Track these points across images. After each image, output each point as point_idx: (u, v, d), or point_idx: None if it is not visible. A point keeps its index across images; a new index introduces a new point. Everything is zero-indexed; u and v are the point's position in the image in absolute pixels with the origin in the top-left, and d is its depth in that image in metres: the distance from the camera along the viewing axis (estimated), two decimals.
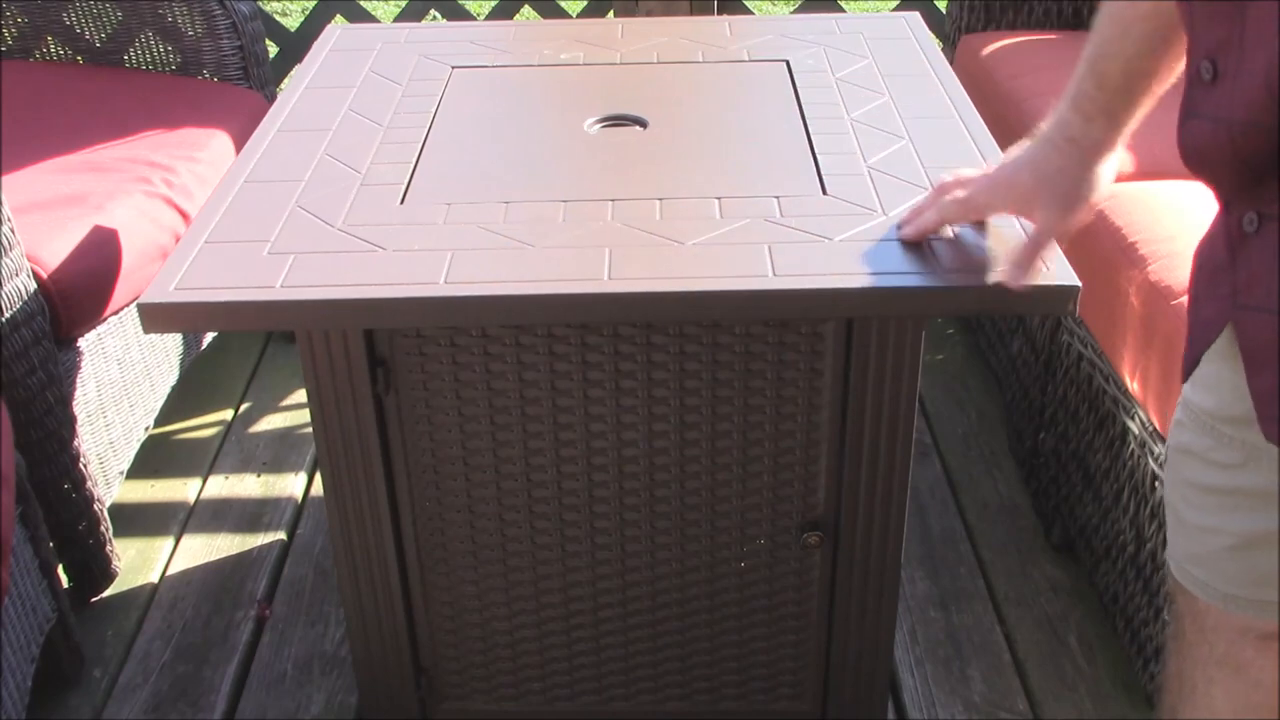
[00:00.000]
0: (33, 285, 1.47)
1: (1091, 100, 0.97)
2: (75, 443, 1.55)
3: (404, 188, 1.24)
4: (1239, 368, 0.81)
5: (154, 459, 1.97)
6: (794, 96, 1.43)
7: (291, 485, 1.93)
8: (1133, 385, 1.42)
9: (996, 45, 2.09)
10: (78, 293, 1.55)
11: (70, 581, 1.66)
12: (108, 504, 1.67)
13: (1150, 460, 1.39)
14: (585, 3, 2.58)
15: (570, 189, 1.23)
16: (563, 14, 2.60)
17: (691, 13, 2.36)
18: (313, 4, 2.52)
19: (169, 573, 1.75)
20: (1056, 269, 1.06)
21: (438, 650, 1.38)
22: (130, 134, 1.86)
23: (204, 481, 1.94)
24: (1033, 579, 1.70)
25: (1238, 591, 0.90)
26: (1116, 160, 1.02)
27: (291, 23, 3.35)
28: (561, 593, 1.33)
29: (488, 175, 1.27)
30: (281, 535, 1.82)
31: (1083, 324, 1.60)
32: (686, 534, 1.29)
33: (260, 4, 2.40)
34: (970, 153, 1.28)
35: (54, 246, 1.54)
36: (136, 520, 1.85)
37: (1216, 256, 0.83)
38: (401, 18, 2.53)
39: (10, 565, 1.34)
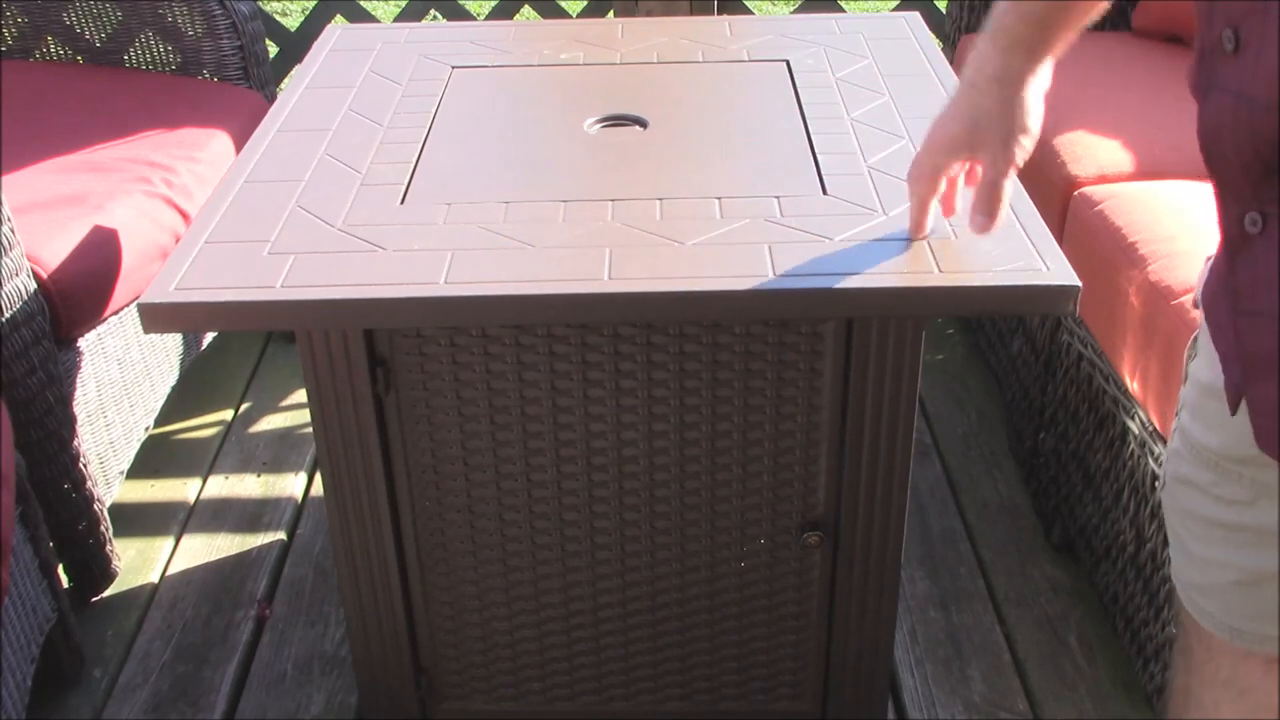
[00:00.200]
0: (33, 285, 1.47)
1: (1009, 34, 0.96)
2: (75, 443, 1.55)
3: (404, 188, 1.24)
4: (1244, 405, 0.78)
5: (154, 459, 1.97)
6: (794, 96, 1.43)
7: (291, 485, 1.93)
8: (1133, 385, 1.42)
9: None
10: (78, 293, 1.55)
11: (70, 581, 1.66)
12: (108, 504, 1.67)
13: (1150, 460, 1.39)
14: (585, 3, 2.58)
15: (570, 189, 1.23)
16: (563, 14, 2.60)
17: (691, 13, 2.36)
18: (313, 4, 2.52)
19: (169, 573, 1.75)
20: (1056, 269, 1.06)
21: (438, 650, 1.38)
22: (130, 134, 1.86)
23: (204, 481, 1.94)
24: (1033, 579, 1.70)
25: (1244, 626, 0.88)
26: (1042, 83, 1.00)
27: (291, 23, 3.35)
28: (561, 593, 1.33)
29: (488, 175, 1.27)
30: (281, 535, 1.82)
31: (1083, 324, 1.60)
32: (686, 534, 1.29)
33: (260, 4, 2.40)
34: None
35: (54, 246, 1.54)
36: (136, 520, 1.85)
37: (1220, 269, 0.80)
38: (401, 18, 2.53)
39: (10, 565, 1.34)
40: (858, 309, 1.09)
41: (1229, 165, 0.72)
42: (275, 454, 2.00)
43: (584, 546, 1.30)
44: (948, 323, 2.31)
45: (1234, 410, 0.80)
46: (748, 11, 2.52)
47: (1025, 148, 1.00)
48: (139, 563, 1.77)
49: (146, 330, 1.07)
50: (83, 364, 1.59)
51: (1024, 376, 1.83)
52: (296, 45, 2.50)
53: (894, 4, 2.75)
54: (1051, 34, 0.95)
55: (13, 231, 1.42)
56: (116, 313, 1.66)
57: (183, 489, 1.92)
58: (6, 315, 1.42)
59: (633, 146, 1.33)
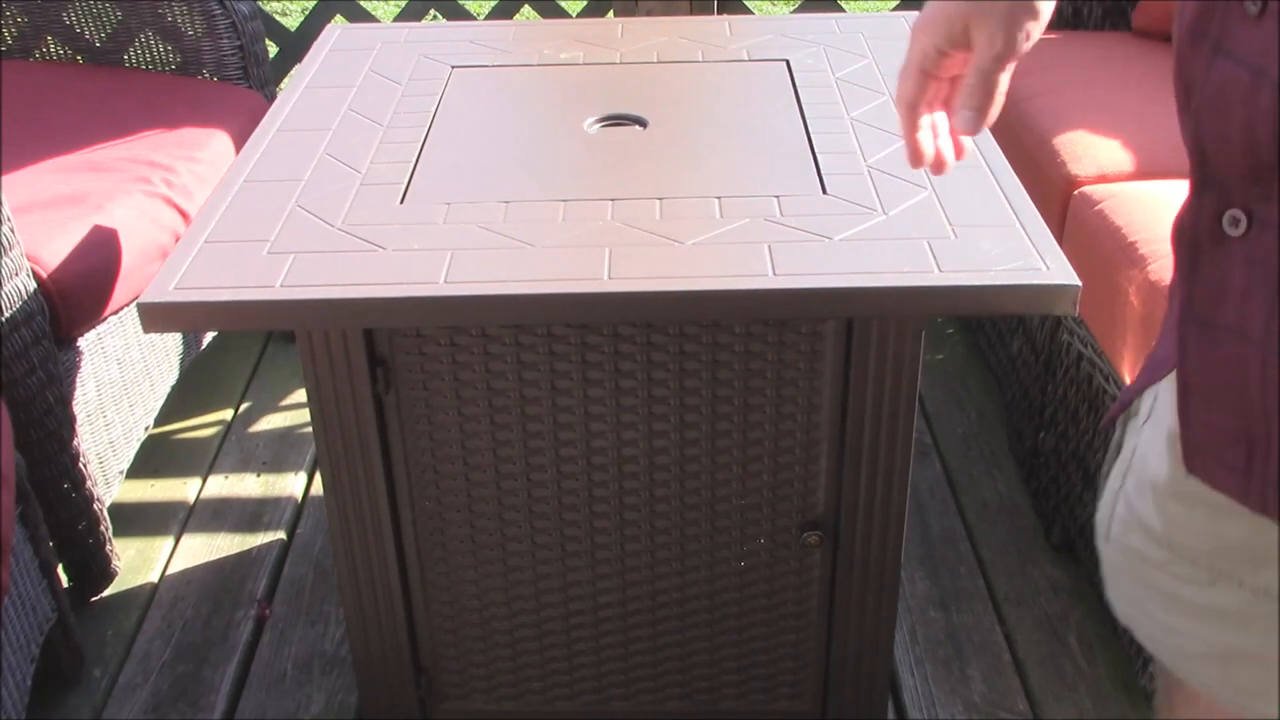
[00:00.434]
0: (33, 285, 1.47)
1: None
2: (75, 442, 1.55)
3: (404, 187, 1.24)
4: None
5: (154, 459, 1.97)
6: (794, 96, 1.43)
7: (291, 485, 1.93)
8: None
9: None
10: (78, 292, 1.55)
11: (70, 581, 1.66)
12: (108, 504, 1.67)
13: None
14: (585, 3, 2.58)
15: (570, 189, 1.23)
16: (563, 14, 2.60)
17: (691, 12, 2.36)
18: (313, 4, 2.52)
19: (169, 572, 1.75)
20: (1056, 269, 1.06)
21: (438, 650, 1.38)
22: (130, 134, 1.86)
23: (204, 481, 1.94)
24: (1033, 579, 1.70)
25: (1219, 691, 0.76)
26: None
27: (291, 22, 3.35)
28: (561, 592, 1.33)
29: (488, 175, 1.27)
30: (281, 535, 1.82)
31: (1083, 324, 1.60)
32: (686, 534, 1.29)
33: (260, 4, 2.40)
34: (969, 151, 1.28)
35: (54, 246, 1.54)
36: (136, 520, 1.85)
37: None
38: (401, 18, 2.53)
39: (10, 565, 1.34)
40: (858, 309, 1.09)
41: (1223, 151, 0.62)
42: (275, 454, 2.00)
43: (584, 546, 1.30)
44: (948, 323, 2.31)
45: (1108, 422, 0.73)
46: (748, 11, 2.52)
47: (1029, 31, 0.81)
48: (139, 562, 1.77)
49: (146, 330, 1.07)
50: (82, 364, 1.59)
51: (1024, 376, 1.83)
52: (296, 45, 2.50)
53: (894, 4, 2.75)
54: None
55: (13, 231, 1.42)
56: (116, 312, 1.66)
57: (183, 489, 1.92)
58: (6, 315, 1.42)
59: (633, 146, 1.33)
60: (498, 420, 1.22)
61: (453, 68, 1.54)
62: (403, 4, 2.52)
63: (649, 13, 2.34)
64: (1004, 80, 0.83)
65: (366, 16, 2.51)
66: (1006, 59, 0.82)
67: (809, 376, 1.20)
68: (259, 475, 1.95)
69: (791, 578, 1.32)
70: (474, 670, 1.39)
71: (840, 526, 1.28)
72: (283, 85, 2.46)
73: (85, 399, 1.59)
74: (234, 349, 2.26)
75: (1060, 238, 1.63)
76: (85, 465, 1.58)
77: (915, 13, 1.67)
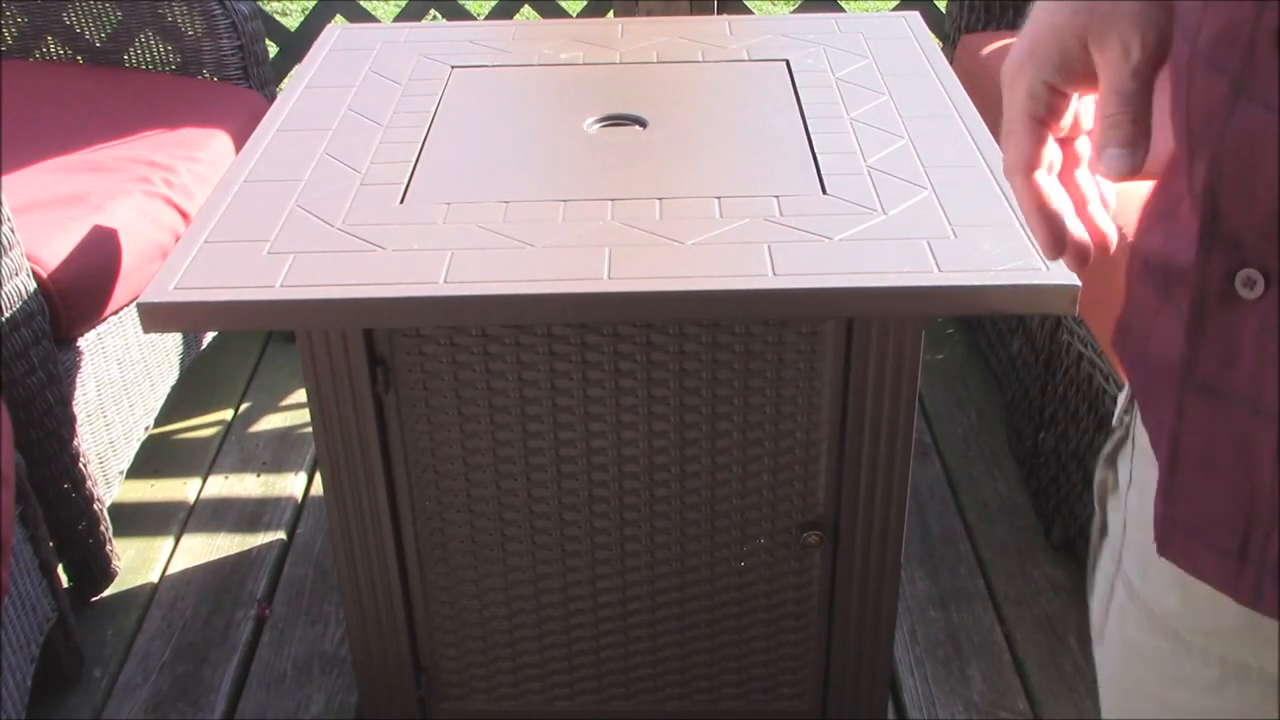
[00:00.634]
0: (33, 285, 1.47)
1: None
2: (75, 442, 1.55)
3: (404, 187, 1.24)
4: None
5: (154, 459, 1.97)
6: (794, 96, 1.43)
7: (291, 485, 1.92)
8: None
9: (996, 45, 2.09)
10: (78, 292, 1.55)
11: (70, 581, 1.66)
12: (108, 504, 1.67)
13: None
14: (585, 3, 2.58)
15: (570, 188, 1.23)
16: (563, 14, 2.60)
17: (691, 12, 2.36)
18: (313, 4, 2.52)
19: (169, 572, 1.75)
20: (1056, 269, 1.06)
21: (438, 650, 1.38)
22: (130, 134, 1.86)
23: (204, 481, 1.94)
24: (1033, 579, 1.70)
25: None
26: None
27: (291, 22, 3.35)
28: (561, 592, 1.33)
29: (487, 175, 1.27)
30: (281, 535, 1.82)
31: (1083, 324, 1.60)
32: (686, 534, 1.29)
33: (260, 4, 2.40)
34: (970, 151, 1.28)
35: (54, 246, 1.54)
36: (136, 520, 1.85)
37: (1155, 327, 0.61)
38: (401, 18, 2.53)
39: (10, 565, 1.34)
40: (858, 309, 1.09)
41: (1244, 206, 0.53)
42: (275, 454, 2.00)
43: (584, 546, 1.30)
44: (948, 323, 2.31)
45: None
46: (748, 11, 2.52)
47: (1164, 28, 0.60)
48: (139, 562, 1.77)
49: (146, 330, 1.07)
50: (82, 364, 1.59)
51: (1024, 376, 1.83)
52: (296, 45, 2.50)
53: (894, 4, 2.75)
54: None
55: (13, 231, 1.42)
56: (116, 312, 1.66)
57: (183, 489, 1.92)
58: (6, 315, 1.42)
59: (632, 146, 1.33)
60: (498, 420, 1.22)
61: (453, 68, 1.54)
62: (403, 4, 2.52)
63: (649, 13, 2.34)
64: (1150, 102, 0.61)
65: (366, 16, 2.51)
66: (1148, 72, 0.61)
67: (809, 376, 1.20)
68: (259, 475, 1.95)
69: (791, 578, 1.32)
70: (474, 670, 1.39)
71: (840, 526, 1.28)
72: (283, 85, 2.46)
73: (85, 399, 1.59)
74: (234, 349, 2.26)
75: None
76: (85, 465, 1.58)
77: (915, 13, 1.68)
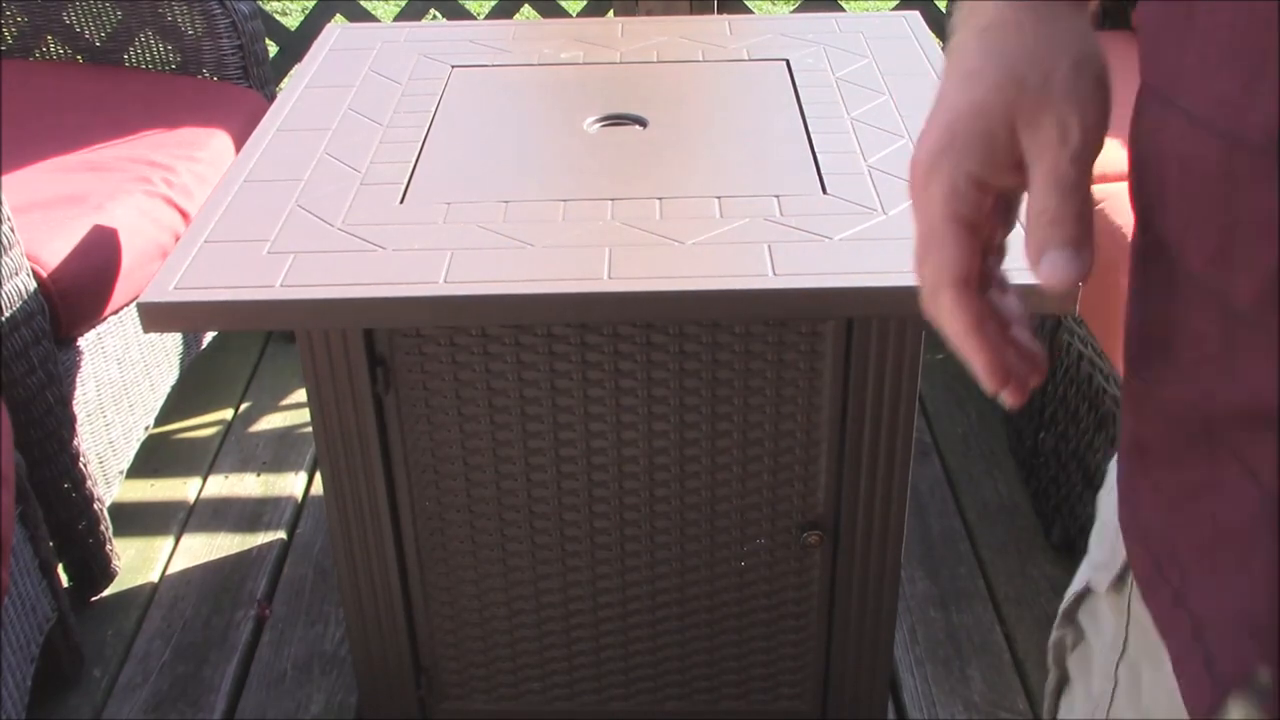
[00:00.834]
0: (33, 285, 1.47)
1: None
2: (75, 442, 1.55)
3: (404, 187, 1.24)
4: None
5: (154, 459, 1.97)
6: (794, 96, 1.43)
7: (291, 485, 1.92)
8: None
9: None
10: (78, 292, 1.55)
11: (70, 581, 1.66)
12: (108, 503, 1.67)
13: None
14: (585, 2, 2.57)
15: (570, 188, 1.23)
16: (563, 13, 2.60)
17: (691, 12, 2.36)
18: (313, 3, 2.52)
19: (169, 572, 1.75)
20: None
21: (438, 650, 1.38)
22: (130, 134, 1.86)
23: (204, 481, 1.94)
24: (1033, 579, 1.70)
25: None
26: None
27: (291, 22, 3.35)
28: (561, 592, 1.33)
29: (488, 175, 1.27)
30: (281, 535, 1.82)
31: (1083, 324, 1.60)
32: (686, 534, 1.29)
33: (260, 3, 2.40)
34: None
35: (54, 246, 1.54)
36: (136, 520, 1.85)
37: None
38: (401, 17, 2.53)
39: (10, 565, 1.34)
40: (858, 309, 1.09)
41: (1189, 227, 0.46)
42: (275, 454, 2.00)
43: (584, 546, 1.30)
44: None
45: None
46: (748, 11, 2.52)
47: (1104, 104, 0.55)
48: (139, 562, 1.77)
49: (146, 330, 1.07)
50: (82, 363, 1.59)
51: None
52: (296, 45, 2.50)
53: (894, 3, 2.75)
54: None
55: (13, 231, 1.42)
56: (116, 312, 1.66)
57: (183, 489, 1.92)
58: (6, 315, 1.42)
59: (632, 146, 1.33)
60: (498, 420, 1.22)
61: (453, 67, 1.54)
62: (403, 4, 2.52)
63: (649, 12, 2.34)
64: (1091, 194, 0.53)
65: (366, 16, 2.51)
66: (1088, 157, 0.54)
67: (809, 376, 1.20)
68: (259, 475, 1.95)
69: (791, 578, 1.32)
70: (474, 670, 1.39)
71: (840, 526, 1.28)
72: (283, 85, 2.46)
73: (85, 399, 1.59)
74: (234, 349, 2.26)
75: None
76: (85, 465, 1.58)
77: (915, 13, 1.68)
